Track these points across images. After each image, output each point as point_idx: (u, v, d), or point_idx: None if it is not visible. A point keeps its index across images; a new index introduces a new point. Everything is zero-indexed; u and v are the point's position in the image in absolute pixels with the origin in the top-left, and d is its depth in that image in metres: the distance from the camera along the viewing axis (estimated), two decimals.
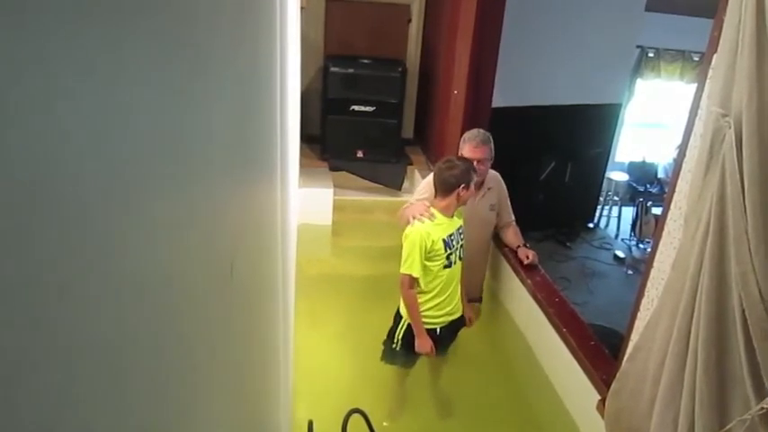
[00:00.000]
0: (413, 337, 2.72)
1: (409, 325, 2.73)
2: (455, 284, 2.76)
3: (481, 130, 3.02)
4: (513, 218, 3.36)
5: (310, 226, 4.41)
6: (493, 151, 3.00)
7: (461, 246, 2.72)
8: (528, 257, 3.23)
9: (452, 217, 2.67)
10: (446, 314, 2.76)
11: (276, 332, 1.67)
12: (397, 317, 2.81)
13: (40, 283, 0.30)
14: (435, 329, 2.75)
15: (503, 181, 3.25)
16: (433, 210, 2.64)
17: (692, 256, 1.61)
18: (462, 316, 2.88)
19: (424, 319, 2.71)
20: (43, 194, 0.30)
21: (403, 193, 4.86)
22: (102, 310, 0.38)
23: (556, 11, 4.68)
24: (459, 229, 2.70)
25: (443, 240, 2.60)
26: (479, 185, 3.04)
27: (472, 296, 3.21)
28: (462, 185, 2.58)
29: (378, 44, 5.24)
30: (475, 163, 2.82)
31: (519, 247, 3.31)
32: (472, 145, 2.94)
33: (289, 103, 2.09)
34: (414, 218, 2.63)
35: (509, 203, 3.31)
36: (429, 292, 2.68)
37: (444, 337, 2.83)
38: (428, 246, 2.58)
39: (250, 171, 1.09)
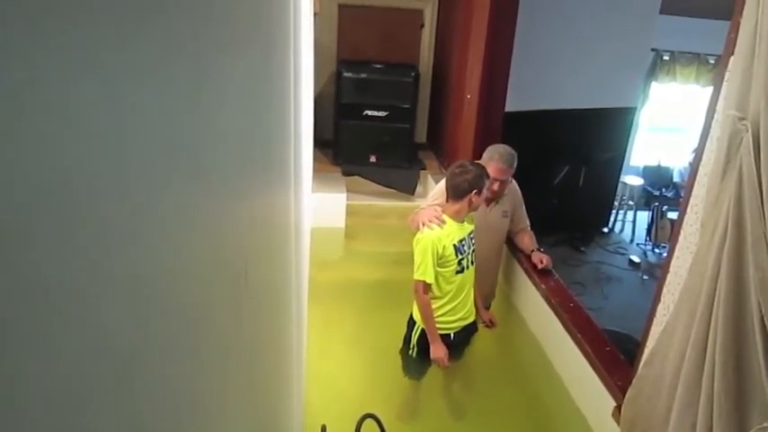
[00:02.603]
0: (428, 342, 2.72)
1: (424, 330, 2.73)
2: (468, 289, 2.75)
3: (509, 149, 2.95)
4: (528, 223, 3.32)
5: (323, 231, 4.41)
6: (514, 169, 2.97)
7: (473, 251, 2.70)
8: (542, 262, 3.21)
9: (463, 222, 2.65)
10: (459, 319, 2.75)
11: (289, 336, 1.67)
12: (411, 322, 2.81)
13: (47, 286, 0.30)
14: (449, 334, 2.75)
15: (518, 187, 3.22)
16: (444, 215, 2.63)
17: (709, 261, 1.59)
18: (475, 321, 2.87)
19: (438, 325, 2.70)
20: (52, 198, 0.30)
21: (416, 198, 4.86)
22: (114, 314, 0.38)
23: (569, 14, 4.66)
24: (470, 234, 2.69)
25: (454, 246, 2.59)
26: (490, 201, 3.01)
27: (485, 302, 3.19)
28: (474, 191, 2.56)
29: (390, 49, 5.26)
30: (497, 183, 2.84)
31: (533, 251, 3.29)
32: (499, 165, 2.88)
33: (302, 108, 2.10)
34: (423, 224, 2.62)
35: (524, 209, 3.27)
36: (442, 297, 2.67)
37: (458, 342, 2.82)
38: (439, 251, 2.57)
39: (263, 176, 1.09)
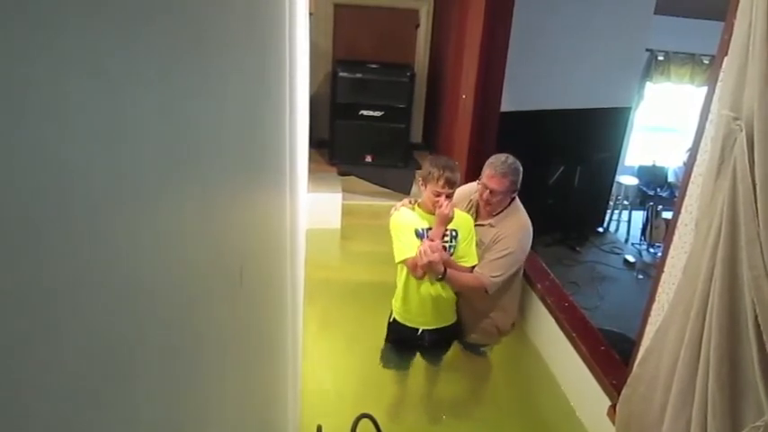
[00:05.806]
0: (394, 329, 2.77)
1: (395, 318, 2.77)
2: (432, 289, 2.64)
3: (511, 160, 2.61)
4: (489, 273, 2.59)
5: (319, 230, 4.41)
6: (516, 185, 2.62)
7: (447, 250, 2.58)
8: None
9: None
10: (428, 321, 2.71)
11: (285, 336, 1.67)
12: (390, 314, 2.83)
13: (45, 285, 0.30)
14: (417, 329, 2.73)
15: (524, 240, 2.67)
16: (418, 202, 2.66)
17: (703, 261, 1.60)
18: (454, 325, 2.79)
19: (404, 315, 2.72)
20: (50, 198, 0.30)
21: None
22: (110, 314, 0.38)
23: (564, 15, 4.67)
24: (448, 232, 2.58)
25: (416, 230, 2.57)
26: (482, 216, 2.75)
27: (467, 337, 2.91)
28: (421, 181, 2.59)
29: (386, 49, 5.26)
30: (487, 192, 2.61)
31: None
32: (491, 173, 2.60)
33: (298, 107, 2.10)
34: (394, 208, 2.68)
35: (499, 259, 2.61)
36: (403, 288, 2.67)
37: (431, 341, 2.76)
38: (399, 227, 2.58)
39: (259, 176, 1.09)
